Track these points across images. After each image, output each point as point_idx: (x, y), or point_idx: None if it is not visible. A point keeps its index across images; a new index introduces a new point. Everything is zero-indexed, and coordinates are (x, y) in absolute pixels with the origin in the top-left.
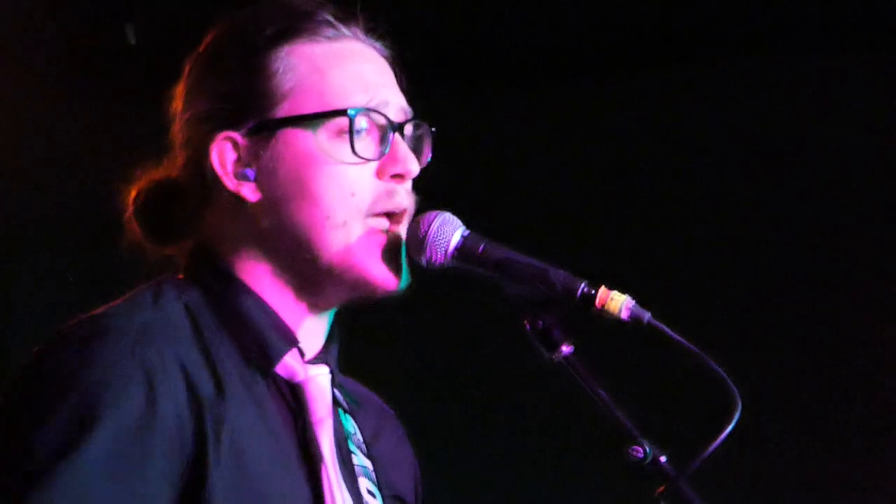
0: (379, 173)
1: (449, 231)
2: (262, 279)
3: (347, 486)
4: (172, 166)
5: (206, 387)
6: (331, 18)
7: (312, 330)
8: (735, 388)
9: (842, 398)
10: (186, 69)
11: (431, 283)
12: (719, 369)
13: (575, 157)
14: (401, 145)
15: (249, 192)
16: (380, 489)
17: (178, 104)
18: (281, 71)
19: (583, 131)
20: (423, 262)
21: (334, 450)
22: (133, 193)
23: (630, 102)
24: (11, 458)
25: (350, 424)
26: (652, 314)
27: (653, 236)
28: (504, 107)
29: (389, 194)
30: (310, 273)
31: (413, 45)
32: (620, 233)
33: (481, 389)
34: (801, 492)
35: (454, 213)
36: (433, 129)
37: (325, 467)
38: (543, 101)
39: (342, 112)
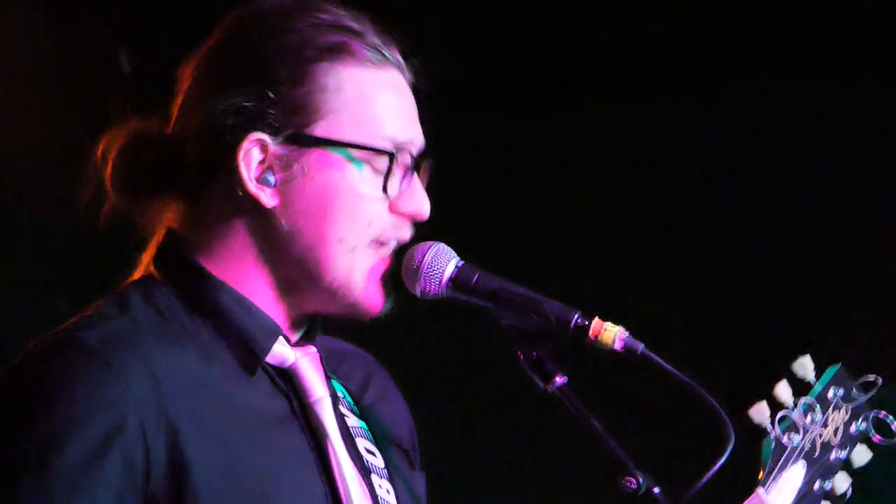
0: (393, 207)
1: (443, 262)
2: (246, 278)
3: (350, 454)
4: (176, 134)
5: (181, 392)
6: (378, 42)
7: (294, 319)
8: (728, 420)
9: None
10: (212, 46)
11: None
12: (713, 400)
13: (569, 185)
14: (419, 187)
15: (267, 198)
16: (378, 444)
17: (192, 82)
18: (328, 88)
19: (577, 159)
20: (418, 292)
21: (336, 424)
22: (128, 133)
23: (623, 130)
24: None
25: (339, 388)
26: (646, 345)
27: (649, 266)
28: (500, 133)
29: (397, 227)
30: (305, 287)
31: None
32: (616, 262)
33: (474, 409)
34: None
35: (447, 241)
36: (431, 163)
37: (331, 444)
38: (538, 127)
39: (386, 152)
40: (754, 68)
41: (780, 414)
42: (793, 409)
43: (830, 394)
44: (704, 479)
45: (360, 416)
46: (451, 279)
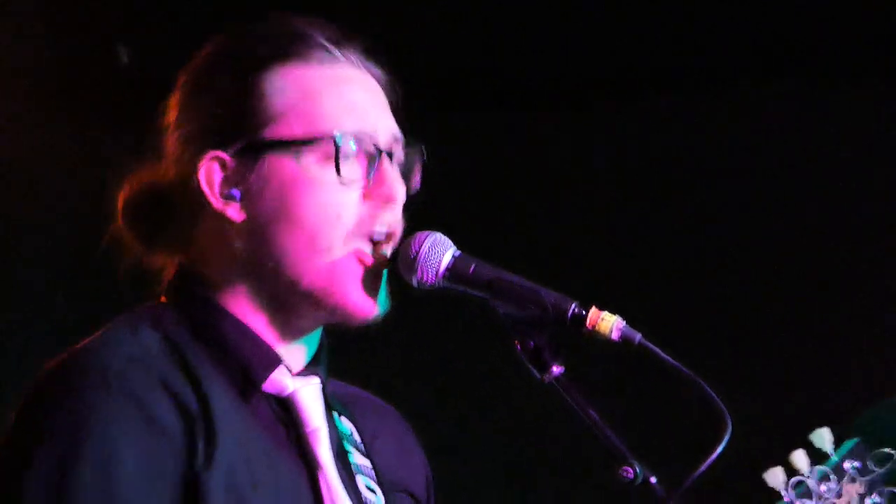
0: (366, 196)
1: (440, 251)
2: (242, 302)
3: (346, 487)
4: (163, 174)
5: (194, 408)
6: (325, 42)
7: (297, 346)
8: (725, 409)
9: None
10: (179, 82)
11: (423, 299)
12: (710, 390)
13: (566, 179)
14: (388, 170)
15: (234, 213)
16: (380, 485)
17: (170, 116)
18: (271, 93)
19: (572, 154)
20: (414, 282)
21: (331, 455)
22: (125, 192)
23: (620, 128)
24: (10, 494)
25: (345, 426)
26: (643, 335)
27: (645, 257)
28: (501, 130)
29: (374, 217)
30: (288, 297)
31: (409, 69)
32: (613, 254)
33: (474, 401)
34: None
35: (446, 233)
36: (424, 152)
37: (324, 473)
38: (538, 125)
39: (329, 137)
40: (749, 69)
41: (794, 479)
42: (808, 476)
43: (847, 465)
44: (701, 469)
45: (368, 456)
46: (447, 269)
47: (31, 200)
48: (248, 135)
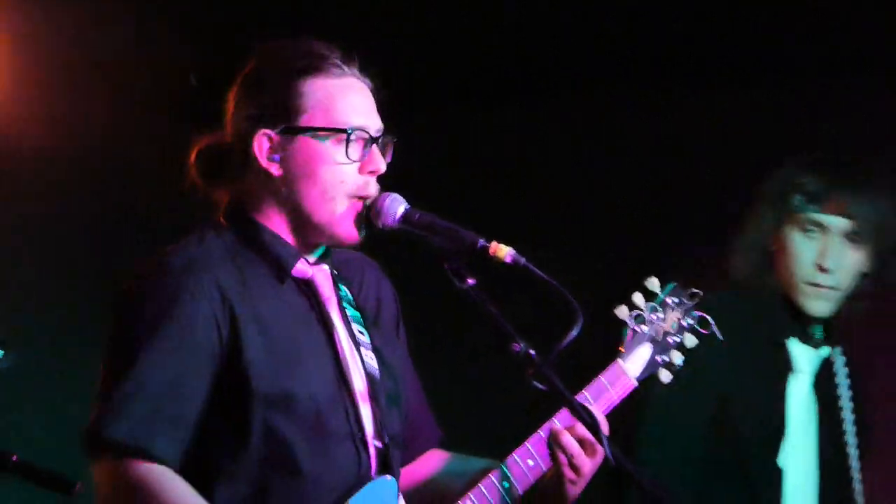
0: (360, 169)
1: (397, 205)
2: (276, 222)
3: (349, 337)
4: (225, 139)
5: (238, 294)
6: (339, 61)
7: (309, 247)
8: (578, 307)
9: None
10: (238, 80)
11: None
12: (569, 295)
13: (502, 168)
14: (375, 152)
15: (275, 170)
16: (366, 327)
17: (231, 104)
18: (306, 94)
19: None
20: (380, 225)
21: (340, 316)
22: (198, 146)
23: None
24: (120, 344)
25: (343, 289)
26: (526, 259)
27: (533, 211)
28: (469, 124)
29: (366, 184)
30: (303, 225)
31: (396, 71)
32: (508, 208)
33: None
34: None
35: (407, 197)
36: (395, 140)
37: (336, 330)
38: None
39: (343, 130)
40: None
41: (634, 312)
42: (644, 309)
43: (669, 300)
44: (562, 345)
45: (356, 307)
46: (402, 216)
47: (117, 175)
48: (289, 121)
